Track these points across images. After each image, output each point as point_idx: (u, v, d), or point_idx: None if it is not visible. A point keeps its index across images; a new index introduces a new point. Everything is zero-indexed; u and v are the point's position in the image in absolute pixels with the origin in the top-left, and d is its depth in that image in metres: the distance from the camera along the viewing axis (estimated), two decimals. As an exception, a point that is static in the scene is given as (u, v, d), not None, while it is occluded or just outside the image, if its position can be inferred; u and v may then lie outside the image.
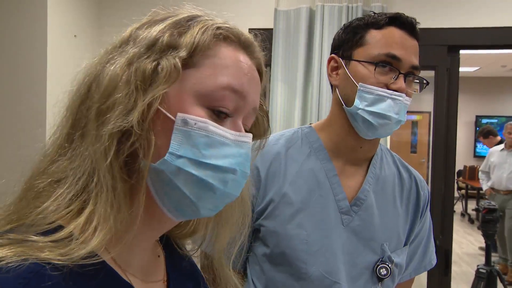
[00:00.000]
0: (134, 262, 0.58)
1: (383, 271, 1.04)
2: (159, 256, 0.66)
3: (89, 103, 0.53)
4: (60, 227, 0.50)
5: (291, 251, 1.00)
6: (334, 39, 1.09)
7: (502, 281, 2.68)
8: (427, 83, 1.04)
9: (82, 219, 0.50)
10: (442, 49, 2.29)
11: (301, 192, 1.04)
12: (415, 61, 0.99)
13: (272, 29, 2.38)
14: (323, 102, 2.29)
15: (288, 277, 1.01)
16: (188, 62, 0.54)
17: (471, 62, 8.21)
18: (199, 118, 0.53)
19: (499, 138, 6.26)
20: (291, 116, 2.36)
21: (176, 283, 0.65)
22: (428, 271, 2.34)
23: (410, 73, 0.99)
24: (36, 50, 2.24)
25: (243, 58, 0.58)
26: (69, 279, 0.47)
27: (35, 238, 0.48)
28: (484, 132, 6.28)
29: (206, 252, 0.72)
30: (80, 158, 0.52)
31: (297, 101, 2.32)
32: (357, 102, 0.99)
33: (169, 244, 0.70)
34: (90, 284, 0.50)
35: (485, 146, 6.73)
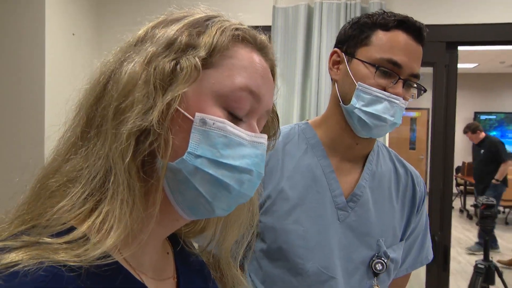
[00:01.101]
0: (145, 260, 0.58)
1: (379, 266, 1.05)
2: (168, 253, 0.66)
3: (106, 102, 0.53)
4: (72, 228, 0.50)
5: (288, 247, 1.01)
6: (340, 33, 1.09)
7: (500, 276, 2.69)
8: (425, 90, 1.04)
9: (97, 218, 0.50)
10: (440, 45, 2.29)
11: (298, 188, 1.04)
12: (416, 69, 1.00)
13: (270, 26, 2.38)
14: (322, 100, 2.29)
15: (285, 272, 1.02)
16: (207, 62, 0.54)
17: (470, 59, 8.22)
18: (217, 118, 0.53)
19: (484, 134, 6.35)
20: (290, 113, 2.37)
21: (186, 280, 0.66)
22: (427, 267, 2.35)
23: (409, 80, 1.00)
24: (34, 48, 2.24)
25: (259, 60, 0.58)
26: (86, 280, 0.48)
27: (48, 240, 0.48)
28: (473, 128, 6.35)
29: (214, 252, 0.71)
30: (96, 156, 0.52)
31: (296, 99, 2.33)
32: (354, 101, 1.00)
33: (177, 241, 0.70)
34: (105, 284, 0.50)
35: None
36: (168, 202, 0.55)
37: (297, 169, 1.06)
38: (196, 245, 0.75)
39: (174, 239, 0.70)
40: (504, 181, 6.22)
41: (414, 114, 9.99)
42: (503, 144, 6.26)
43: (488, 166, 6.13)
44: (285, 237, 1.01)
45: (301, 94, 2.35)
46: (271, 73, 0.61)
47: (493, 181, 6.05)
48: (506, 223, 7.68)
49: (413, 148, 10.19)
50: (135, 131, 0.50)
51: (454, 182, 8.06)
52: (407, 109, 1.04)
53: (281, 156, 1.07)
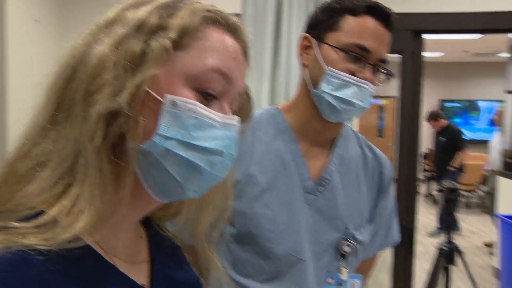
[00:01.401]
0: (117, 244, 0.58)
1: (347, 249, 1.08)
2: (141, 237, 0.66)
3: (76, 84, 0.52)
4: (42, 212, 0.50)
5: (258, 231, 1.03)
6: (309, 18, 1.10)
7: (461, 257, 2.80)
8: (393, 75, 1.07)
9: (66, 202, 0.50)
10: (407, 33, 2.34)
11: (267, 173, 1.06)
12: (384, 54, 1.02)
13: (240, 14, 2.37)
14: (291, 86, 2.31)
15: (255, 256, 1.04)
16: (177, 44, 0.54)
17: (437, 48, 8.41)
18: (188, 100, 0.53)
19: (446, 121, 6.54)
20: (259, 101, 2.37)
21: (160, 263, 0.66)
22: (393, 250, 2.43)
23: (377, 65, 1.02)
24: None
25: (231, 42, 0.58)
26: (56, 264, 0.47)
27: (17, 224, 0.48)
28: (434, 115, 6.53)
29: (188, 236, 0.71)
30: (66, 140, 0.51)
31: (265, 86, 2.33)
32: (323, 86, 1.02)
33: (151, 225, 0.70)
34: (76, 268, 0.50)
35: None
36: (140, 185, 0.55)
37: (266, 154, 1.07)
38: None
39: (149, 224, 0.69)
40: (460, 168, 6.50)
41: (382, 102, 10.17)
42: (461, 132, 6.52)
43: (448, 154, 6.37)
44: (255, 222, 1.03)
45: (270, 82, 2.35)
46: (244, 55, 0.61)
47: (451, 168, 6.30)
48: (468, 207, 7.98)
49: (381, 136, 10.39)
50: (105, 113, 0.50)
51: (420, 168, 8.29)
52: (375, 97, 1.07)
53: (250, 141, 1.08)
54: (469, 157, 7.16)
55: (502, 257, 4.17)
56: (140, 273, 0.61)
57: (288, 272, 1.04)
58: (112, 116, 0.51)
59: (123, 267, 0.57)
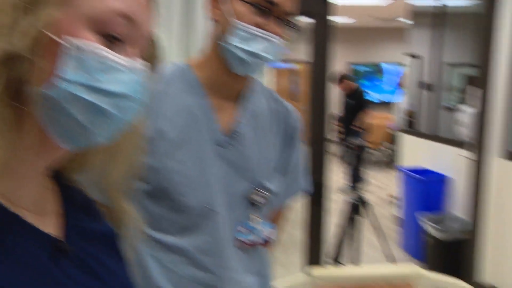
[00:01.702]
0: (23, 194, 0.57)
1: (258, 199, 1.14)
2: (50, 188, 0.65)
3: None
4: None
5: (171, 186, 1.05)
6: None
7: (368, 208, 3.06)
8: (300, 30, 1.11)
9: None
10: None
11: (177, 128, 1.07)
12: (292, 8, 1.06)
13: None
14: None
15: (169, 210, 1.06)
16: None
17: (347, 14, 8.74)
18: (90, 43, 0.52)
19: (354, 84, 6.91)
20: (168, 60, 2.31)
21: (73, 216, 0.65)
22: (306, 206, 2.59)
23: (285, 19, 1.06)
24: None
25: None
26: None
27: None
28: (339, 77, 6.89)
29: (100, 187, 0.69)
30: None
31: (174, 46, 2.27)
32: (232, 39, 1.04)
33: (61, 177, 0.68)
34: None
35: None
36: (44, 131, 0.54)
37: (176, 109, 1.08)
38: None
39: (58, 176, 0.68)
40: (365, 128, 7.00)
41: (297, 66, 10.43)
42: (365, 92, 7.00)
43: (355, 115, 6.82)
44: (168, 177, 1.05)
45: (182, 42, 2.31)
46: (149, 0, 0.60)
47: (355, 128, 6.75)
48: (374, 163, 8.62)
49: (296, 100, 10.72)
50: (1, 57, 0.48)
51: (335, 130, 8.73)
52: (290, 61, 1.12)
53: (161, 97, 1.08)
54: (375, 117, 7.66)
55: (404, 206, 4.60)
56: (50, 225, 0.60)
57: (202, 224, 1.08)
58: (10, 59, 0.49)
59: (31, 218, 0.56)
